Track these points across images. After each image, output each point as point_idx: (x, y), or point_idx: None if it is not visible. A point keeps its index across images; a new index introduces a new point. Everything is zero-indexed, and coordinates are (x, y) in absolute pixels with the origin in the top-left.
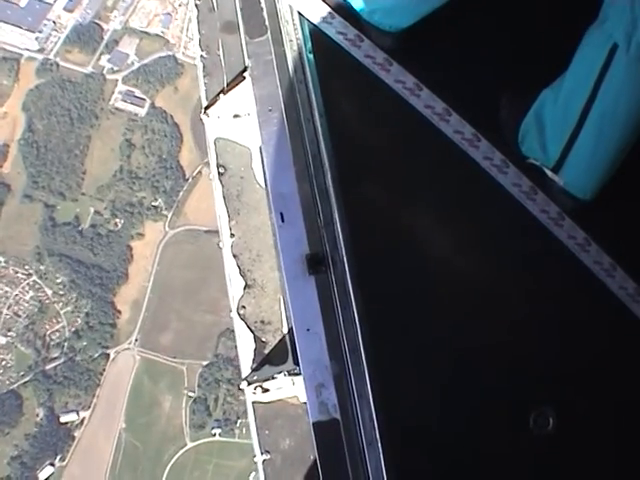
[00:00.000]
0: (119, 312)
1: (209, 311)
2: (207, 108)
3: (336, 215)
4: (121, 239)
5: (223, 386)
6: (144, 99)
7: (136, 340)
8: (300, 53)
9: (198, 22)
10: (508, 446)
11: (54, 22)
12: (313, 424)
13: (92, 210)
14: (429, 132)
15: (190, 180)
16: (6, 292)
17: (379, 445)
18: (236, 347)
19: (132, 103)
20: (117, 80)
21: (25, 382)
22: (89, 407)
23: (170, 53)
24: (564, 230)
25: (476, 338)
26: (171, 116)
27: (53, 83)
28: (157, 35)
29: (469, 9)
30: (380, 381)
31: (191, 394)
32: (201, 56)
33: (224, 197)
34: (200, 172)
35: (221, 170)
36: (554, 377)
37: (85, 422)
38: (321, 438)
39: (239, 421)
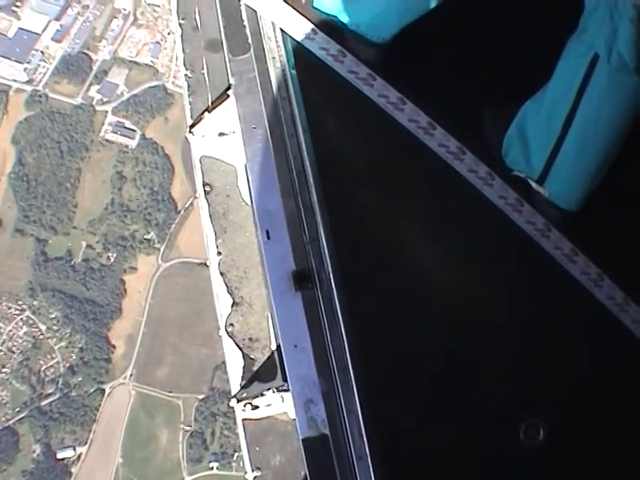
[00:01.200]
0: (113, 347)
1: (204, 344)
2: (192, 127)
3: (321, 231)
4: (114, 273)
5: (219, 419)
6: (134, 130)
7: (131, 375)
8: (283, 70)
9: (182, 41)
10: (499, 458)
11: (42, 52)
12: (302, 440)
13: (84, 244)
14: (414, 146)
15: (182, 212)
16: (0, 328)
17: (369, 460)
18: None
19: (122, 134)
20: (107, 111)
21: (21, 418)
22: (86, 443)
23: (160, 83)
24: (551, 241)
25: (465, 351)
26: (162, 147)
27: (42, 115)
28: (146, 65)
29: (452, 23)
30: (369, 396)
31: (187, 428)
32: (185, 75)
33: (210, 215)
34: (192, 204)
35: (207, 188)
36: (544, 388)
37: (82, 458)
38: (311, 454)
39: (236, 454)
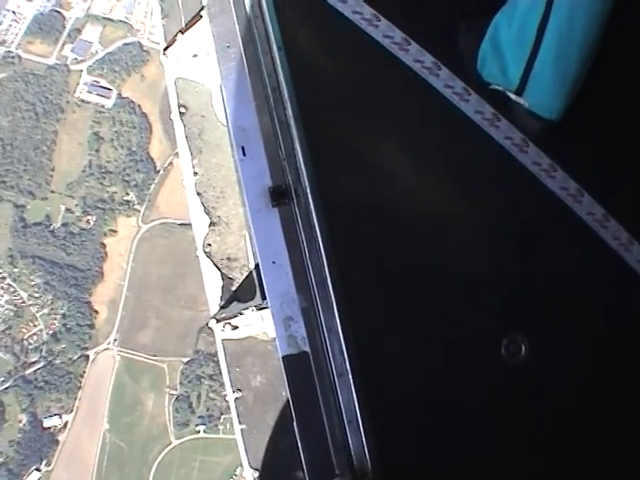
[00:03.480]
0: (96, 312)
1: (187, 307)
2: (166, 49)
3: (297, 146)
4: (94, 237)
5: (205, 382)
6: (110, 89)
7: (115, 340)
8: None
9: None
10: (480, 374)
11: (14, 12)
12: (283, 358)
13: (63, 208)
14: (389, 62)
15: (161, 172)
16: None
17: (350, 377)
18: (215, 341)
19: (98, 94)
20: (82, 71)
21: (6, 388)
22: (72, 410)
23: (135, 39)
24: (529, 156)
25: (445, 266)
26: (139, 106)
27: (16, 77)
28: (121, 21)
29: None
30: (349, 312)
31: (173, 392)
32: None
33: (186, 136)
34: (171, 163)
35: (182, 110)
36: (527, 305)
37: (68, 425)
38: (291, 371)
39: (223, 417)
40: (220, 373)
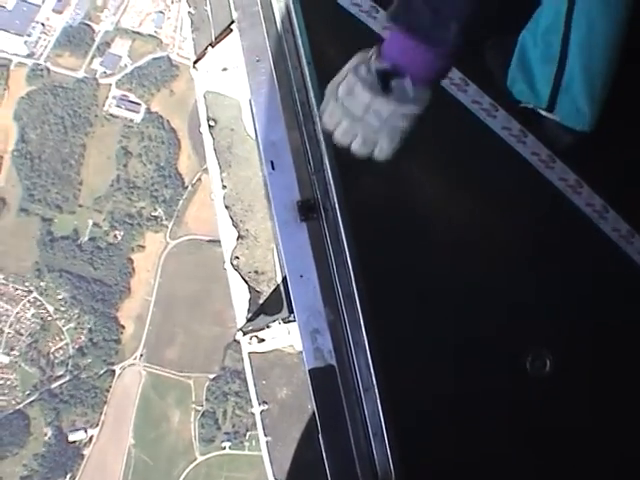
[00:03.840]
0: (123, 327)
1: (214, 323)
2: (196, 62)
3: (326, 161)
4: (121, 252)
5: (231, 399)
6: (139, 104)
7: (141, 355)
8: (287, 2)
9: None
10: (506, 390)
11: (43, 24)
12: (309, 371)
13: (90, 222)
14: None
15: (189, 188)
16: (7, 310)
17: (376, 391)
18: (242, 359)
19: (127, 109)
20: (110, 84)
21: (31, 402)
22: (97, 425)
23: (164, 54)
24: (555, 172)
25: (471, 281)
26: (167, 121)
27: (45, 90)
28: (150, 35)
29: None
30: (375, 326)
31: (199, 408)
32: (189, 12)
33: (215, 149)
34: (199, 179)
35: (211, 123)
36: (550, 319)
37: (94, 440)
38: (317, 385)
39: (248, 433)
40: (246, 390)
